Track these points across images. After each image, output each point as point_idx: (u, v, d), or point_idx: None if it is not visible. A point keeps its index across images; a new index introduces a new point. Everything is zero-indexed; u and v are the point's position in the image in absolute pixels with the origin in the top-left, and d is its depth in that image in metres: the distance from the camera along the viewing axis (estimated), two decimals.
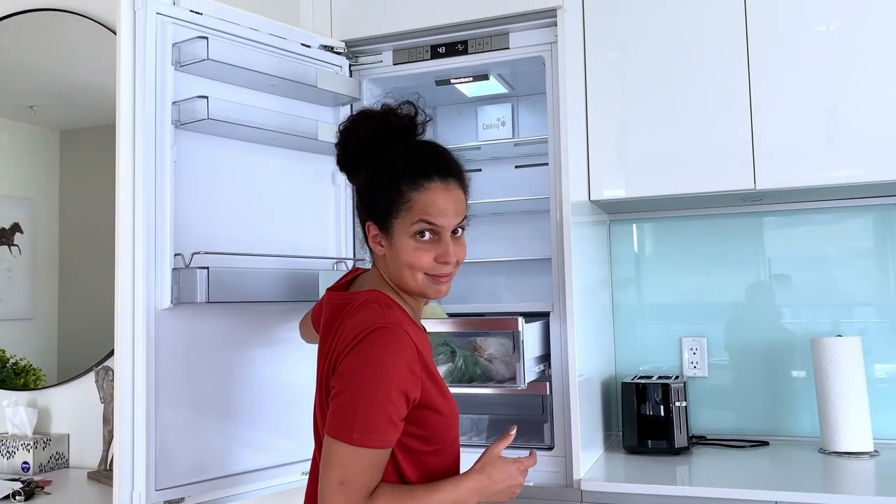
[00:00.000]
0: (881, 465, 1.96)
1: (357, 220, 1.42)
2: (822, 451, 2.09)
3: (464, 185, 1.35)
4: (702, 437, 2.27)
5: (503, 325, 1.88)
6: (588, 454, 1.99)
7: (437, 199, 1.27)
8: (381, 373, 1.18)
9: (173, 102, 1.67)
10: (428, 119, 1.38)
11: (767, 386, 2.34)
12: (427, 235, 1.27)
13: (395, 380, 1.19)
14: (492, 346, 1.95)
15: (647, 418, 2.15)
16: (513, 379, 1.87)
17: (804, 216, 2.34)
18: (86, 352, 2.42)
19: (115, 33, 1.70)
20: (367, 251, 1.40)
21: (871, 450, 2.04)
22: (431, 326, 2.02)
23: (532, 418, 2.13)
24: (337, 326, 1.30)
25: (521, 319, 1.85)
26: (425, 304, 1.42)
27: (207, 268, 1.63)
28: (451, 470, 1.35)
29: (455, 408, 1.37)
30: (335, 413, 1.21)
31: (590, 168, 2.18)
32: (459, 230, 1.33)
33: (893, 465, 1.96)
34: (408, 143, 1.36)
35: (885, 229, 2.27)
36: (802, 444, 2.20)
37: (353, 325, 1.25)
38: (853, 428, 2.04)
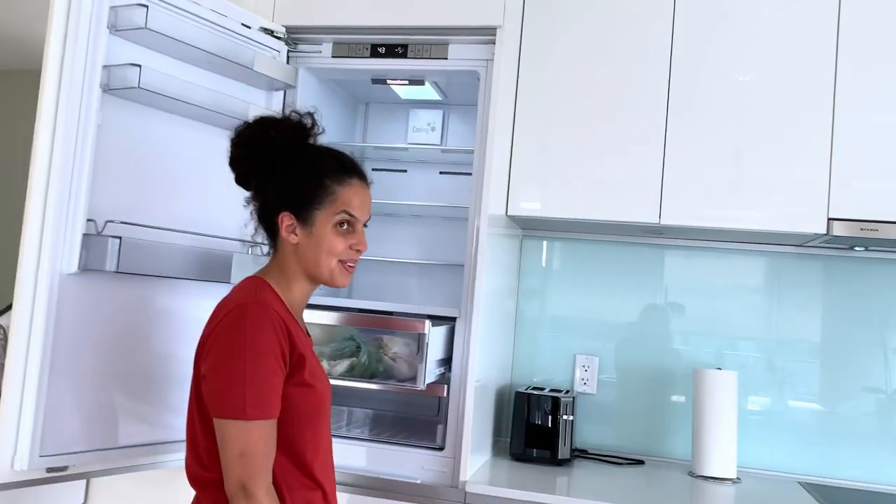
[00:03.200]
0: (741, 491, 2.13)
1: (255, 218, 1.49)
2: (692, 473, 2.24)
3: (369, 188, 1.51)
4: (584, 451, 2.39)
5: (410, 326, 1.94)
6: (476, 457, 2.07)
7: (357, 195, 1.45)
8: (257, 345, 1.29)
9: (104, 66, 1.63)
10: (322, 131, 1.53)
11: (649, 408, 2.49)
12: (345, 226, 1.43)
13: (272, 350, 1.30)
14: (397, 345, 2.00)
15: (535, 428, 2.25)
16: (413, 379, 1.93)
17: (702, 253, 2.51)
18: None
19: None
20: (268, 245, 1.50)
21: (735, 476, 2.21)
22: (340, 320, 2.05)
23: (427, 418, 2.19)
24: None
25: (428, 322, 1.91)
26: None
27: (120, 238, 1.61)
28: (312, 445, 1.40)
29: (325, 386, 1.45)
30: (220, 393, 1.29)
31: (510, 183, 2.27)
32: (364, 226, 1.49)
33: (750, 492, 2.12)
34: (319, 146, 1.51)
35: (773, 273, 2.46)
36: (674, 466, 2.35)
37: (221, 305, 1.39)
38: (721, 455, 2.20)
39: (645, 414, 2.49)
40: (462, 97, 2.44)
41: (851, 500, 2.12)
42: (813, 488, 2.18)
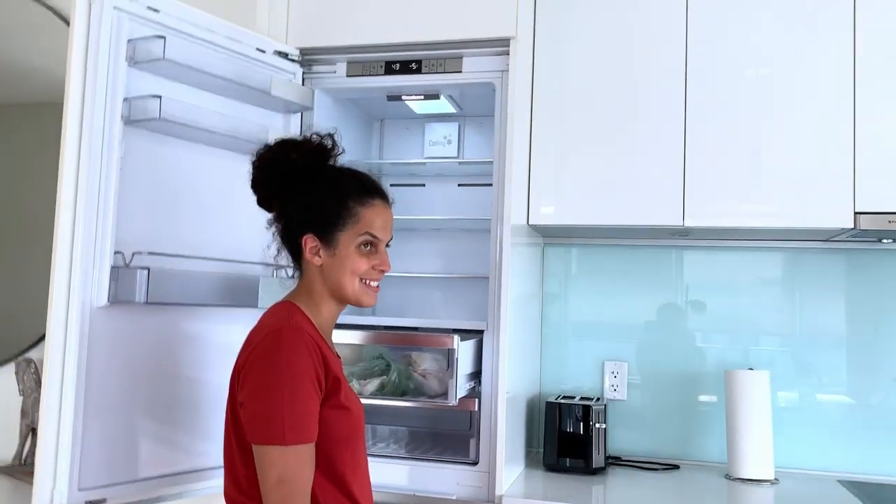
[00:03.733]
0: (780, 492, 2.10)
1: (278, 240, 1.50)
2: (728, 476, 2.22)
3: (391, 208, 1.52)
4: (617, 458, 2.37)
5: (439, 341, 1.93)
6: (510, 470, 2.05)
7: (379, 215, 1.46)
8: (294, 370, 1.29)
9: (124, 99, 1.65)
10: (342, 151, 1.52)
11: (681, 410, 2.46)
12: (369, 247, 1.45)
13: (308, 374, 1.30)
14: (426, 362, 2.00)
15: (567, 438, 2.23)
16: (444, 395, 1.92)
17: (723, 252, 2.48)
18: (4, 340, 2.35)
19: (68, 24, 1.67)
20: (292, 268, 1.52)
21: (773, 478, 2.18)
22: (368, 339, 2.05)
23: (459, 433, 2.18)
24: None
25: (456, 337, 1.90)
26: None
27: (148, 268, 1.62)
28: (351, 467, 1.41)
29: (359, 408, 1.47)
30: (259, 419, 1.28)
31: (530, 193, 2.26)
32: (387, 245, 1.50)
33: (791, 494, 2.10)
34: (340, 167, 1.51)
35: (796, 268, 2.43)
36: (710, 469, 2.32)
37: (255, 331, 1.39)
38: (757, 457, 2.18)
39: (677, 417, 2.47)
40: (477, 108, 2.44)
41: (892, 497, 2.08)
42: (853, 486, 2.15)
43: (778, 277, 2.45)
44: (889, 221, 2.02)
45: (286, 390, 1.28)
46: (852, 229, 2.06)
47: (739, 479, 2.18)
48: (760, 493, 2.09)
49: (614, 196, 2.21)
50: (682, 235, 2.40)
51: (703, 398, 2.45)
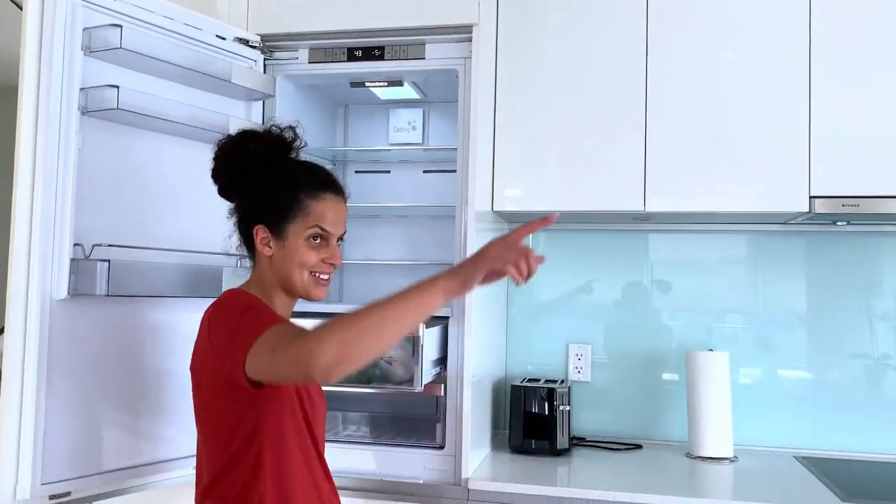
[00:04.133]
0: (737, 469, 2.16)
1: (235, 228, 1.52)
2: (689, 455, 2.27)
3: (345, 203, 1.52)
4: (582, 439, 2.42)
5: None
6: (476, 453, 2.09)
7: (330, 209, 1.46)
8: (250, 308, 1.32)
9: (81, 89, 1.63)
10: (304, 145, 1.54)
11: (644, 391, 2.52)
12: (318, 240, 1.44)
13: (263, 305, 1.37)
14: (392, 349, 2.01)
15: (532, 420, 2.27)
16: (410, 381, 1.94)
17: (686, 235, 2.53)
18: None
19: (20, 8, 1.63)
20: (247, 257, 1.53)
21: (732, 455, 2.24)
22: None
23: (426, 418, 2.21)
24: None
25: (422, 325, 1.92)
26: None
27: (108, 261, 1.60)
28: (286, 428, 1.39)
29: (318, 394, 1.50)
30: (230, 345, 1.27)
31: (494, 179, 2.28)
32: (340, 239, 1.51)
33: (747, 470, 2.16)
34: (298, 160, 1.52)
35: (757, 250, 2.49)
36: (672, 448, 2.38)
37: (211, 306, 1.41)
38: (717, 436, 2.24)
39: (640, 397, 2.52)
40: (442, 94, 2.44)
41: (846, 472, 2.16)
42: (808, 461, 2.22)
43: (740, 259, 2.50)
44: (843, 205, 2.07)
45: (246, 315, 1.30)
46: (808, 213, 2.11)
47: (700, 457, 2.24)
48: (719, 470, 2.15)
49: (578, 182, 2.23)
50: (644, 220, 2.44)
51: (666, 378, 2.51)
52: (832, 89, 2.11)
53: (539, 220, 1.36)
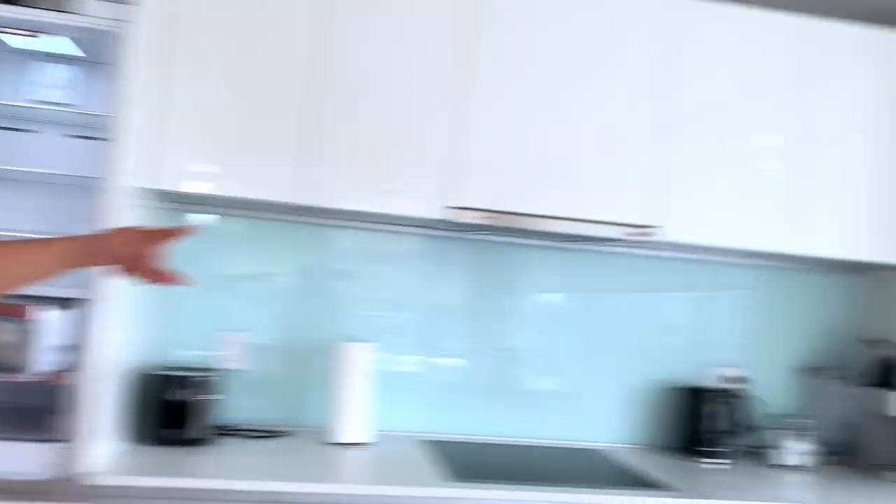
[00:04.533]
0: (362, 454, 2.29)
1: None
2: (330, 442, 2.37)
3: None
4: (224, 428, 2.39)
5: (12, 310, 1.75)
6: (104, 447, 1.95)
7: None
8: None
9: None
10: None
11: (299, 380, 2.57)
12: None
13: None
14: (4, 332, 1.80)
15: (169, 410, 2.19)
16: (20, 368, 1.75)
17: (359, 233, 2.63)
18: None
19: None
20: None
21: (367, 441, 2.38)
22: None
23: (43, 408, 2.01)
24: None
25: (37, 307, 1.74)
26: None
27: None
28: None
29: None
30: None
31: (146, 154, 2.14)
32: None
33: (385, 455, 2.30)
34: None
35: (423, 249, 2.68)
36: (316, 435, 2.45)
37: None
38: (353, 423, 2.36)
39: (293, 386, 2.57)
40: (99, 55, 2.23)
41: (458, 452, 2.40)
42: (433, 445, 2.44)
43: (404, 257, 2.67)
44: (472, 218, 2.28)
45: None
46: (442, 220, 2.30)
47: (337, 443, 2.34)
48: (349, 455, 2.25)
49: (237, 168, 2.19)
50: (306, 212, 2.47)
51: (318, 368, 2.58)
52: (486, 93, 2.31)
53: (178, 229, 1.24)
